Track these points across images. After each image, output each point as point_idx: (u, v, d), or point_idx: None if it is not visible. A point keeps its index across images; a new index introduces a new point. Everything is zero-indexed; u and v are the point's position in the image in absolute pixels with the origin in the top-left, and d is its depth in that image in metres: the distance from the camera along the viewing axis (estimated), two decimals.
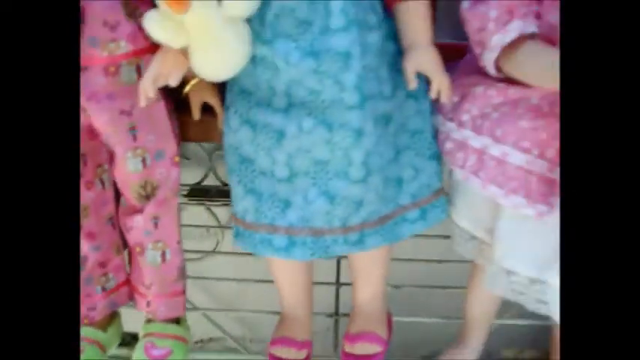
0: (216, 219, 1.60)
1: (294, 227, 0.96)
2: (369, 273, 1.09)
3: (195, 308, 1.42)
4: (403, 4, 0.94)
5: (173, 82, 0.90)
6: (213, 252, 1.58)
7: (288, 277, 1.08)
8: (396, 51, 0.96)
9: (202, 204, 1.60)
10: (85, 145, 1.03)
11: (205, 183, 1.59)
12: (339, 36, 0.89)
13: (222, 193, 1.58)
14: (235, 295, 1.66)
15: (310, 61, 0.89)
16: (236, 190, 0.99)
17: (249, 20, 0.90)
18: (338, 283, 1.40)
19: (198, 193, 1.62)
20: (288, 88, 0.92)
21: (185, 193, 1.64)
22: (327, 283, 1.38)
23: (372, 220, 0.97)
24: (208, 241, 1.63)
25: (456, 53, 1.05)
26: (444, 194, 1.05)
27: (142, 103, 0.91)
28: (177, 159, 1.05)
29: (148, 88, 0.89)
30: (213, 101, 1.01)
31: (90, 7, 0.93)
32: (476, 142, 0.96)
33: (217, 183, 1.55)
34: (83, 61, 0.95)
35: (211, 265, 1.59)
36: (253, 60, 0.92)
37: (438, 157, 1.02)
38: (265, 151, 0.94)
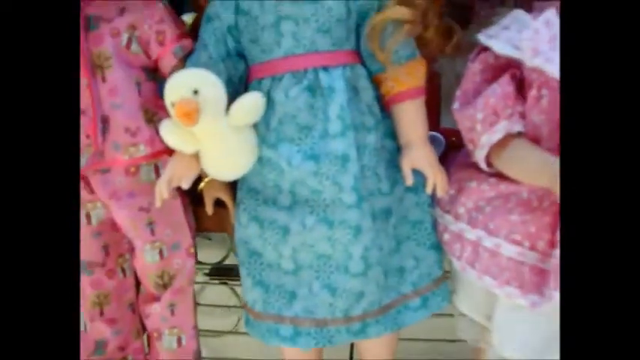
0: (237, 297, 1.64)
1: (299, 318, 1.01)
2: (377, 357, 1.13)
3: None
4: (399, 106, 1.01)
5: (185, 185, 0.98)
6: (234, 332, 1.61)
7: (297, 355, 1.12)
8: (394, 148, 1.03)
9: (224, 283, 1.66)
10: (107, 236, 1.12)
11: (227, 262, 1.64)
12: (337, 140, 0.96)
13: None
14: None
15: (311, 163, 0.96)
16: (246, 282, 1.05)
17: (255, 125, 0.99)
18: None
19: (219, 272, 1.69)
20: (292, 187, 0.99)
21: (207, 272, 1.71)
22: None
23: (374, 310, 1.01)
24: (229, 319, 1.67)
25: (459, 138, 1.10)
26: (445, 282, 1.09)
27: (158, 203, 0.98)
28: (192, 250, 1.12)
29: (163, 190, 0.97)
30: (225, 197, 1.08)
31: (114, 116, 1.03)
32: (471, 234, 1.00)
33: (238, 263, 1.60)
34: (106, 163, 1.04)
35: (232, 342, 1.63)
36: (260, 161, 1.00)
37: (437, 246, 1.06)
38: (272, 246, 1.01)
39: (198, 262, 1.74)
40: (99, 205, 1.09)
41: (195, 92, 0.90)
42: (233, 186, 1.09)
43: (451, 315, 1.14)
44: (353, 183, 0.96)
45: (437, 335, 1.45)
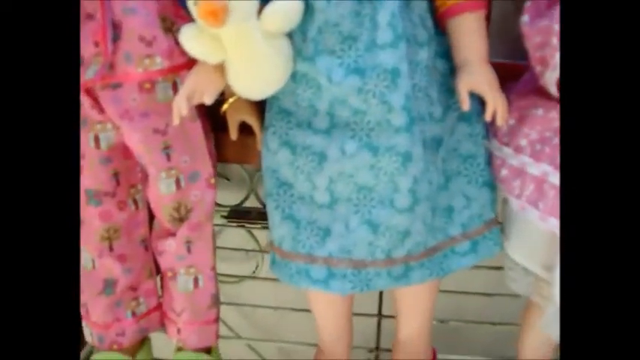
0: (257, 242, 1.54)
1: (333, 258, 0.89)
2: (414, 307, 1.01)
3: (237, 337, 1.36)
4: (456, 19, 0.87)
5: (208, 100, 0.85)
6: (252, 277, 1.52)
7: (326, 308, 1.01)
8: (446, 70, 0.90)
9: (242, 226, 1.56)
10: (118, 163, 1.00)
11: (246, 205, 1.54)
12: (386, 52, 0.82)
13: (263, 216, 1.52)
14: (273, 321, 1.60)
15: (355, 78, 0.83)
16: (273, 216, 0.93)
17: (290, 35, 0.85)
18: (380, 315, 1.33)
19: (238, 214, 1.58)
20: (331, 107, 0.86)
21: (225, 214, 1.61)
22: (368, 315, 1.30)
23: (418, 253, 0.89)
24: (247, 265, 1.57)
25: (510, 74, 0.97)
26: (497, 225, 0.96)
27: (176, 121, 0.86)
28: (212, 181, 1.00)
29: (181, 106, 0.84)
30: (252, 121, 0.95)
31: (127, 22, 0.89)
32: (535, 169, 0.88)
33: (258, 205, 1.49)
34: (117, 77, 0.91)
35: (250, 289, 1.54)
36: (294, 77, 0.86)
37: (491, 184, 0.94)
38: (305, 175, 0.88)
39: (216, 204, 1.66)
40: (109, 126, 0.96)
41: None
42: (261, 108, 0.96)
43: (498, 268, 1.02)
44: (404, 102, 0.83)
45: (476, 288, 1.34)
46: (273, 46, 0.83)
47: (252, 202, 1.51)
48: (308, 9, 0.84)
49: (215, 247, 1.06)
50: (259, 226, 1.50)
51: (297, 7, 0.82)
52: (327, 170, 0.87)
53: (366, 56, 0.82)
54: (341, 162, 0.86)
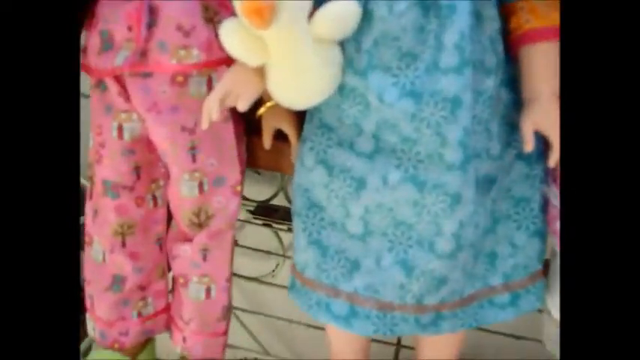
0: (281, 243, 1.46)
1: (358, 295, 0.81)
2: (436, 354, 0.92)
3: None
4: (532, 47, 0.77)
5: (242, 106, 0.76)
6: (269, 283, 1.44)
7: (344, 344, 0.93)
8: (510, 101, 0.80)
9: (268, 225, 1.48)
10: (141, 156, 0.92)
11: (274, 202, 1.46)
12: (448, 77, 0.72)
13: (290, 216, 1.46)
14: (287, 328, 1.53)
15: (409, 102, 0.73)
16: (298, 238, 0.84)
17: (342, 44, 0.76)
18: (399, 345, 1.24)
19: (264, 211, 1.51)
20: (378, 130, 0.76)
21: (251, 209, 1.54)
22: (387, 343, 1.21)
23: (453, 301, 0.80)
24: (268, 264, 1.50)
25: None
26: (542, 278, 0.87)
27: (204, 124, 0.78)
28: (239, 188, 0.92)
29: (213, 108, 0.76)
30: (289, 130, 0.87)
31: (165, 8, 0.81)
32: None
33: (287, 204, 1.41)
34: (149, 67, 0.83)
35: (267, 288, 1.46)
36: (341, 91, 0.77)
37: (542, 234, 0.85)
38: (339, 200, 0.80)
39: (243, 198, 1.58)
40: (134, 117, 0.88)
41: None
42: (300, 117, 0.87)
43: None
44: (461, 137, 0.73)
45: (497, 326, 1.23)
46: (321, 55, 0.73)
47: (280, 200, 1.43)
48: (366, 16, 0.74)
49: (233, 254, 0.99)
50: (285, 227, 1.43)
51: (354, 13, 0.73)
52: (365, 198, 0.78)
53: (425, 79, 0.73)
54: (381, 192, 0.77)
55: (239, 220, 1.51)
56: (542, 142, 0.79)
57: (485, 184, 0.79)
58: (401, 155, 0.76)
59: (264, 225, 1.49)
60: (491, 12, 0.76)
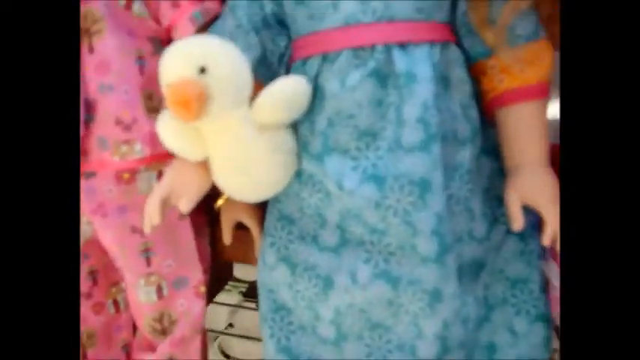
0: None
1: None
2: None
3: None
4: (510, 109, 0.68)
5: (185, 207, 0.68)
6: None
7: None
8: (493, 170, 0.71)
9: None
10: (96, 260, 0.85)
11: None
12: (413, 156, 0.63)
13: None
14: None
15: (372, 188, 0.64)
16: (267, 346, 0.74)
17: (294, 125, 0.67)
18: None
19: (256, 293, 1.40)
20: (342, 220, 0.67)
21: (243, 290, 1.44)
22: None
23: None
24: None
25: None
26: None
27: (146, 229, 0.69)
28: (202, 289, 0.83)
29: (154, 212, 0.67)
30: (250, 222, 0.78)
31: (102, 101, 0.74)
32: None
33: None
34: (91, 166, 0.76)
35: None
36: (299, 177, 0.69)
37: (546, 317, 0.73)
38: (306, 302, 0.70)
39: (234, 279, 1.47)
40: (84, 219, 0.80)
41: (202, 71, 0.60)
42: (262, 207, 0.78)
43: None
44: (434, 225, 0.63)
45: None
46: (267, 142, 0.65)
47: None
48: (317, 93, 0.66)
49: None
50: None
51: (302, 93, 0.65)
52: (334, 299, 0.68)
53: (388, 160, 0.64)
54: (350, 291, 0.67)
55: (231, 305, 1.42)
56: (535, 213, 0.69)
57: (473, 269, 0.69)
58: (370, 248, 0.66)
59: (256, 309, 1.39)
60: (460, 74, 0.68)
